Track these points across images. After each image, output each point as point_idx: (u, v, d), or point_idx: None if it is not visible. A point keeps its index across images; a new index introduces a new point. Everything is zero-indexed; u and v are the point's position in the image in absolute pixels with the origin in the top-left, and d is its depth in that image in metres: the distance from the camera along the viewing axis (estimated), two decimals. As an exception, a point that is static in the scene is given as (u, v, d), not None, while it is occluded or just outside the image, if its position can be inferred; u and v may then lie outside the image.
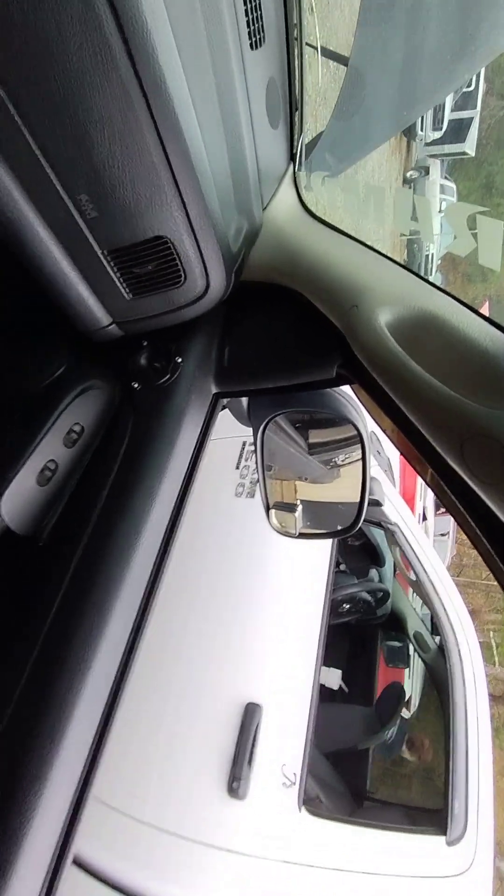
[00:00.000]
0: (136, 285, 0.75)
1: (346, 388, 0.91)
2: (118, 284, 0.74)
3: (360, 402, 0.85)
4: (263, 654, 1.74)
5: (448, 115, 8.27)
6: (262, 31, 0.73)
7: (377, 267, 0.76)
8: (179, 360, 0.85)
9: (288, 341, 0.85)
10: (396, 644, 3.19)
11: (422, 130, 8.20)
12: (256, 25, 0.71)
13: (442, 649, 2.52)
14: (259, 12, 0.71)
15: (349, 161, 1.15)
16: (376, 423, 0.80)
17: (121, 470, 0.79)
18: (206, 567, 1.91)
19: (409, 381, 0.62)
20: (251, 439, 1.92)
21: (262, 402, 1.04)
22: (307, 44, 0.81)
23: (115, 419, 0.85)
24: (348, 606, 2.92)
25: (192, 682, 1.64)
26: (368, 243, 0.82)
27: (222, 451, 2.27)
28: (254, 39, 0.71)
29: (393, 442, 0.75)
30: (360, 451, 1.09)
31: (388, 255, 0.79)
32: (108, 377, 0.87)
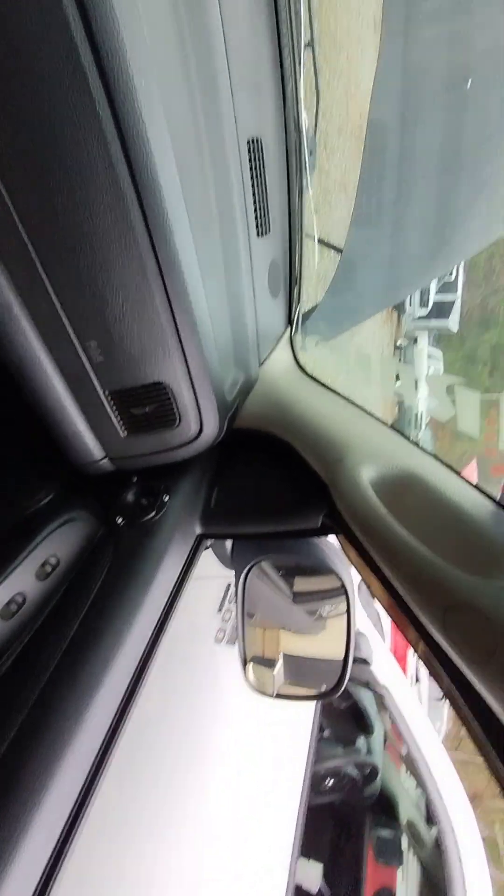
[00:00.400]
0: (132, 424, 0.78)
1: (333, 538, 0.90)
2: (115, 422, 0.77)
3: (345, 553, 0.83)
4: (228, 839, 1.49)
5: (433, 296, 9.42)
6: (268, 222, 0.85)
7: (364, 425, 0.79)
8: (167, 498, 0.85)
9: (275, 488, 0.86)
10: (387, 834, 2.73)
11: (410, 307, 9.26)
12: (264, 218, 0.83)
13: (439, 845, 2.16)
14: (266, 207, 0.83)
15: (341, 329, 1.27)
16: (360, 575, 0.78)
17: (92, 607, 0.74)
18: (171, 722, 1.71)
19: (390, 540, 0.61)
20: (236, 581, 1.84)
21: (245, 546, 1.02)
22: (307, 235, 0.93)
23: (93, 553, 0.83)
24: (332, 782, 2.57)
25: (141, 868, 1.38)
26: (357, 402, 0.87)
27: (206, 591, 2.17)
28: (261, 229, 0.82)
29: (376, 598, 0.73)
30: (345, 605, 1.04)
31: (380, 412, 0.84)
32: (93, 510, 0.87)
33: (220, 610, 2.09)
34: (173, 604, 0.80)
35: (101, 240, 0.58)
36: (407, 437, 0.73)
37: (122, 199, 0.56)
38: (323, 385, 0.92)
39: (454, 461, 0.72)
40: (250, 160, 0.75)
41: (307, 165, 0.91)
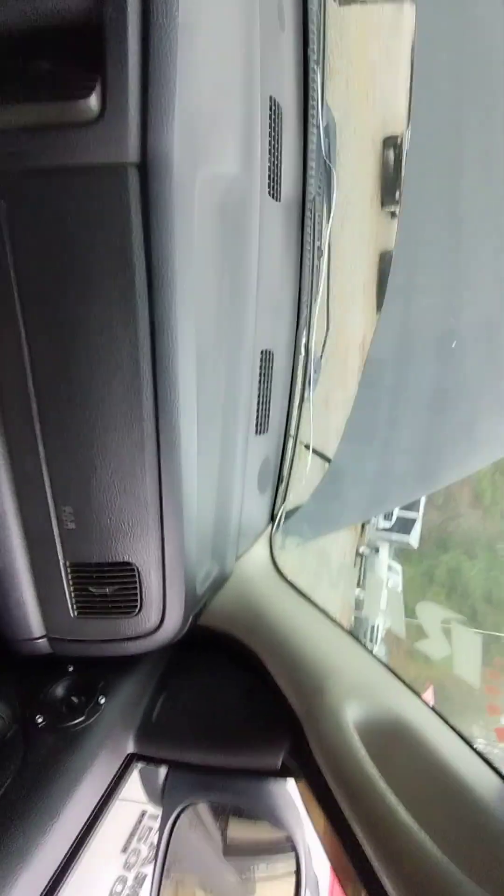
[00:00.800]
0: (86, 604, 0.70)
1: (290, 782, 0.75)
2: (68, 598, 0.69)
3: (301, 799, 0.68)
4: None
5: (397, 512, 9.90)
6: (268, 422, 0.88)
7: (346, 649, 0.71)
8: (103, 700, 0.72)
9: (232, 710, 0.75)
10: None
11: (375, 518, 9.65)
12: (264, 418, 0.86)
13: None
14: (268, 409, 0.86)
15: (320, 534, 1.27)
16: (314, 830, 0.64)
17: None
18: None
19: (377, 810, 0.49)
20: (154, 810, 1.49)
21: (183, 780, 0.83)
22: (304, 445, 0.97)
23: None
24: None
25: None
26: (335, 618, 0.81)
27: (112, 817, 1.73)
28: (260, 427, 0.85)
29: (329, 859, 0.59)
30: (293, 874, 0.82)
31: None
32: (9, 700, 0.72)
33: (124, 850, 1.65)
34: (87, 835, 0.64)
35: (109, 408, 0.58)
36: (394, 673, 0.64)
37: (138, 377, 0.57)
38: (300, 593, 0.86)
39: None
40: (261, 367, 0.81)
41: (311, 381, 0.99)
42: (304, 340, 0.95)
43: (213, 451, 0.72)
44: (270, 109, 0.67)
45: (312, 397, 0.99)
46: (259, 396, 0.82)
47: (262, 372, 0.81)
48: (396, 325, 1.11)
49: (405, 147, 6.26)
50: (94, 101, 0.47)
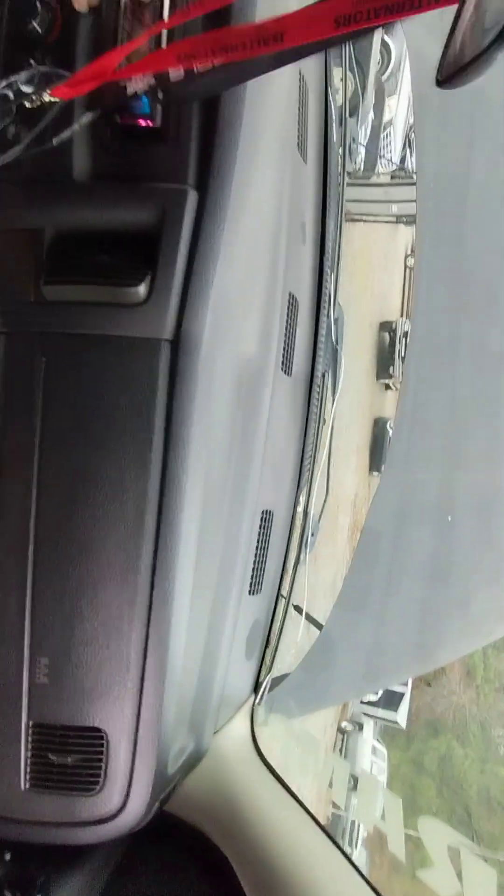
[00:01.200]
0: (41, 775, 0.62)
1: None
2: (22, 765, 0.62)
3: None
4: None
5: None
6: (262, 583, 0.86)
7: (332, 868, 0.62)
8: None
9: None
10: None
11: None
12: (258, 580, 0.84)
13: None
14: (263, 570, 0.86)
15: (307, 710, 1.17)
16: None
17: None
18: None
19: None
20: None
21: None
22: (295, 606, 0.94)
23: None
24: None
25: None
26: (318, 819, 0.71)
27: None
28: (254, 588, 0.83)
29: None
30: None
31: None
32: None
33: None
34: None
35: (106, 557, 0.58)
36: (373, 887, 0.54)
37: (141, 530, 0.58)
38: (282, 784, 0.76)
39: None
40: (260, 527, 0.82)
41: (308, 543, 1.00)
42: (303, 503, 0.98)
43: (205, 610, 0.70)
44: (289, 303, 0.78)
45: (308, 559, 0.99)
46: (256, 556, 0.82)
47: (262, 532, 0.82)
48: (394, 497, 1.15)
49: (399, 332, 7.17)
50: (142, 289, 0.55)
